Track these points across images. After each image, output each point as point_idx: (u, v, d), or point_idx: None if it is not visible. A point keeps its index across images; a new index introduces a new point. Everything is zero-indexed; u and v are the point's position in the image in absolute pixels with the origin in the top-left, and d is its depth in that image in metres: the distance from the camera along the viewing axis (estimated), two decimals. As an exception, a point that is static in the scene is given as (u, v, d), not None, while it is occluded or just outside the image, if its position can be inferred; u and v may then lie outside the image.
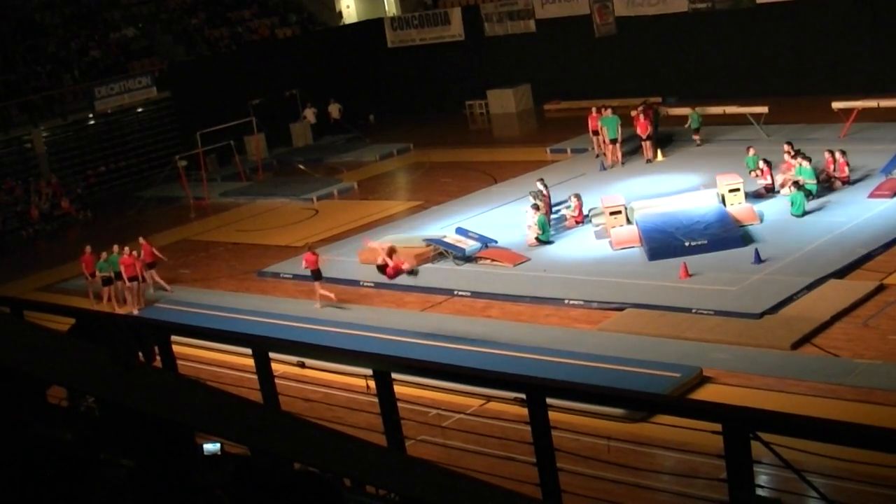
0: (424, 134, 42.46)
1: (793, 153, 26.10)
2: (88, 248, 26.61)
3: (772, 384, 16.83)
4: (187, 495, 5.24)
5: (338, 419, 10.99)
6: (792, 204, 24.38)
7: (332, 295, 23.81)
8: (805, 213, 24.17)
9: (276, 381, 9.35)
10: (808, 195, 24.74)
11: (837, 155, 26.14)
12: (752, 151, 27.29)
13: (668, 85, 40.01)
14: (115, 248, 26.17)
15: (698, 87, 38.88)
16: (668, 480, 13.90)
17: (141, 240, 26.82)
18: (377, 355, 11.21)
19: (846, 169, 25.94)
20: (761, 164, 26.41)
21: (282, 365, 15.90)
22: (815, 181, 25.24)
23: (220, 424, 5.66)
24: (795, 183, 24.86)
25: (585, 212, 26.46)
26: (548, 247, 25.18)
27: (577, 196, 26.62)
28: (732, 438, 6.53)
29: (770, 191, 25.98)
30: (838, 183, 25.86)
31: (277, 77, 44.48)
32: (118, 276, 25.57)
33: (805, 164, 25.37)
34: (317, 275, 23.84)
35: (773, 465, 7.23)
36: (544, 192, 26.96)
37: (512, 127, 43.64)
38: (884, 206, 24.17)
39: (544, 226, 25.48)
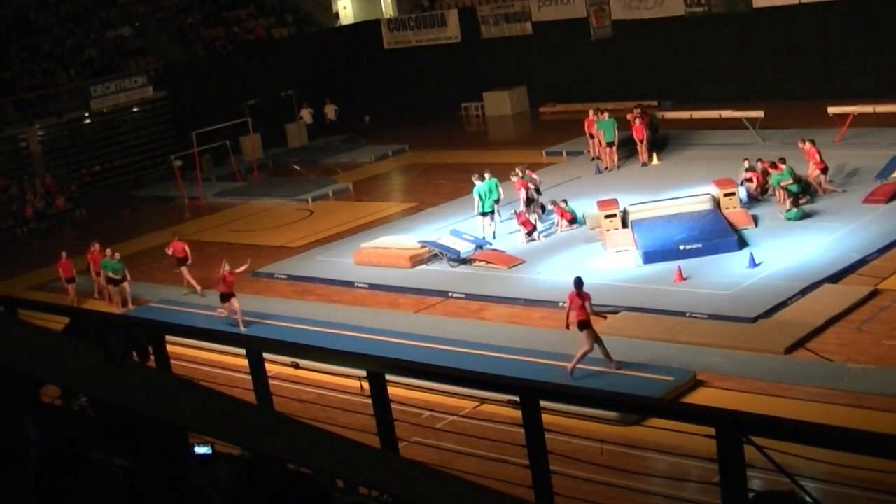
0: (420, 135, 42.48)
1: (768, 164, 26.07)
2: (64, 254, 26.72)
3: (765, 388, 16.85)
4: (179, 495, 5.23)
5: (331, 420, 10.99)
6: (787, 211, 24.40)
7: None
8: (802, 218, 24.14)
9: (270, 381, 9.34)
10: (797, 197, 24.68)
11: (808, 145, 26.14)
12: (747, 164, 27.10)
13: (663, 88, 40.04)
14: (117, 255, 26.06)
15: (694, 91, 38.93)
16: (661, 484, 13.91)
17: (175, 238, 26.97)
18: (371, 356, 11.22)
19: (818, 157, 25.89)
20: (747, 173, 26.31)
21: (275, 365, 15.89)
22: (790, 180, 25.05)
23: (213, 425, 5.66)
24: (786, 189, 24.92)
25: (578, 214, 26.52)
26: (542, 250, 25.19)
27: (554, 202, 26.63)
28: (725, 442, 6.53)
29: (763, 194, 25.98)
30: (821, 189, 25.82)
31: (273, 77, 44.49)
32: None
33: (781, 166, 25.32)
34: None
35: (766, 469, 7.24)
36: (519, 174, 27.14)
37: (507, 129, 43.66)
38: (878, 211, 24.22)
39: (480, 194, 26.34)
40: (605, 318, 18.03)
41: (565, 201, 26.71)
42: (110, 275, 25.63)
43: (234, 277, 23.02)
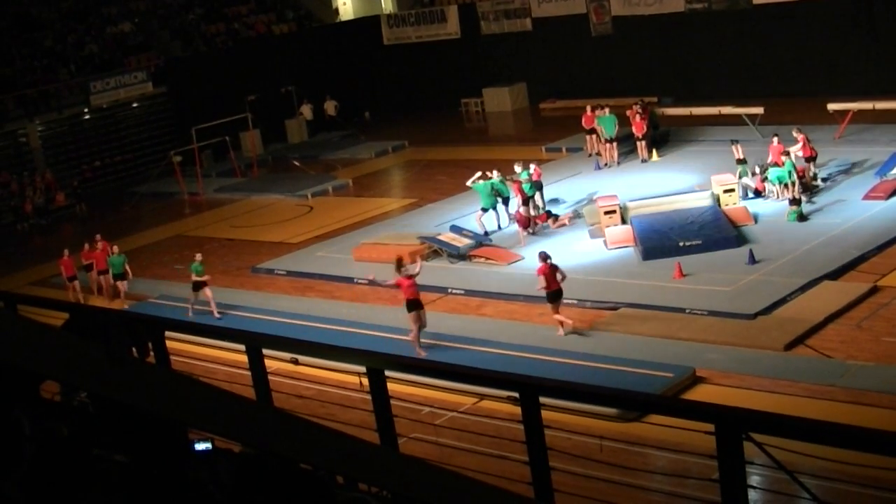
0: (420, 131, 42.47)
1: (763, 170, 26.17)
2: (67, 251, 26.65)
3: (765, 385, 16.85)
4: (179, 491, 5.23)
5: (331, 416, 10.97)
6: (788, 215, 24.37)
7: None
8: (801, 218, 24.06)
9: (270, 377, 9.34)
10: (794, 193, 24.69)
11: (795, 132, 26.45)
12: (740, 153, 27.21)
13: (663, 85, 40.03)
14: (115, 248, 26.05)
15: (694, 88, 38.92)
16: (661, 480, 13.91)
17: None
18: (371, 353, 11.20)
19: (797, 146, 26.06)
20: (755, 177, 26.34)
21: (275, 361, 15.87)
22: (790, 177, 25.11)
23: (212, 421, 5.66)
24: (784, 185, 24.98)
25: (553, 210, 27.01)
26: (542, 245, 25.16)
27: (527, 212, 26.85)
28: (725, 439, 6.53)
29: (758, 194, 26.01)
30: (810, 177, 25.92)
31: (273, 73, 44.48)
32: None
33: (785, 159, 25.40)
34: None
35: (766, 465, 7.24)
36: (518, 170, 27.27)
37: (507, 125, 43.65)
38: (878, 207, 24.21)
39: (480, 190, 26.63)
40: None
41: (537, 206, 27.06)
42: (114, 271, 25.66)
43: (412, 280, 19.72)
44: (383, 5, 51.08)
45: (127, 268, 25.68)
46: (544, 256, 19.88)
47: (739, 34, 38.72)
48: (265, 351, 9.51)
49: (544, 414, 7.55)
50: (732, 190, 25.28)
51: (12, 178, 38.41)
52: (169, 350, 9.45)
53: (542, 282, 19.67)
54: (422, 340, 19.65)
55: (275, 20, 48.57)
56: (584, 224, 26.09)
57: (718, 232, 23.38)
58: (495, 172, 27.26)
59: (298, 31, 48.41)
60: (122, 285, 25.64)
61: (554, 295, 19.66)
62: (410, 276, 19.81)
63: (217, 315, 23.16)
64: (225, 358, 17.19)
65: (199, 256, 24.39)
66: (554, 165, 33.00)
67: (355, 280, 25.07)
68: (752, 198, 25.79)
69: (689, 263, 22.08)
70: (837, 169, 27.42)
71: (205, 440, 5.70)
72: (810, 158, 26.27)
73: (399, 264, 20.29)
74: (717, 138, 32.45)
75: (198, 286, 23.67)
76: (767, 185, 25.82)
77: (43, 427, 5.25)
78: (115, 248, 25.98)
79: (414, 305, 19.56)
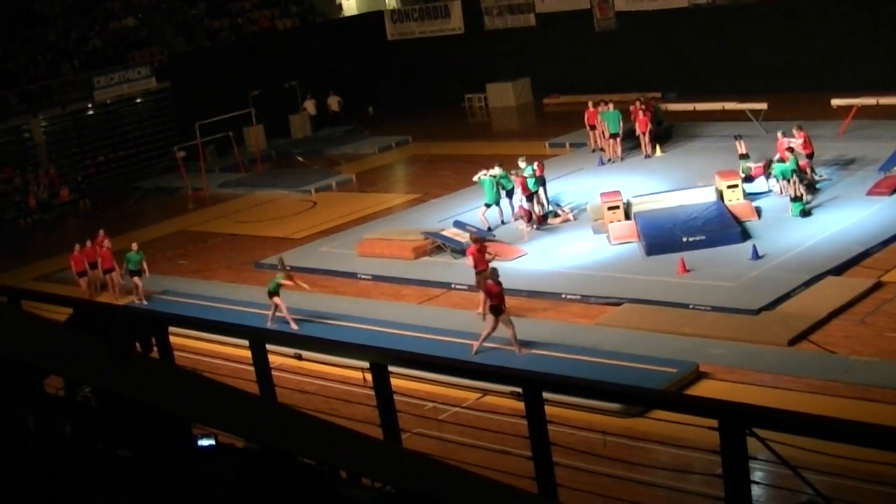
0: (423, 127, 42.46)
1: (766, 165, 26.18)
2: (77, 246, 26.51)
3: (768, 380, 16.85)
4: (183, 486, 5.24)
5: (334, 411, 10.99)
6: (791, 210, 24.35)
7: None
8: (805, 214, 24.04)
9: (273, 372, 9.35)
10: (798, 188, 24.67)
11: (794, 129, 26.46)
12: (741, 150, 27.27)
13: (667, 80, 39.98)
14: (134, 245, 25.86)
15: (697, 83, 38.87)
16: (664, 475, 13.91)
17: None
18: (374, 348, 11.21)
19: (794, 141, 26.06)
20: (752, 166, 26.35)
21: (279, 357, 15.89)
22: (792, 173, 25.14)
23: (216, 416, 5.67)
24: (787, 180, 24.97)
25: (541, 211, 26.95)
26: (546, 240, 25.21)
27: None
28: (728, 434, 6.53)
29: (750, 179, 26.01)
30: (809, 173, 25.92)
31: (277, 69, 44.45)
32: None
33: (789, 154, 25.41)
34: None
35: (769, 461, 7.24)
36: (521, 165, 27.27)
37: (511, 121, 43.62)
38: (882, 203, 24.19)
39: (485, 185, 26.73)
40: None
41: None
42: (130, 267, 25.39)
43: (498, 287, 18.88)
44: (387, 1, 51.06)
45: (144, 265, 25.34)
46: (475, 238, 21.90)
47: (743, 30, 38.67)
48: (269, 346, 9.52)
49: (547, 409, 7.56)
50: (736, 185, 25.25)
51: (16, 173, 38.43)
52: (172, 345, 9.46)
53: (470, 262, 20.98)
54: (484, 344, 19.01)
55: (278, 15, 48.54)
56: (587, 220, 26.08)
57: (722, 227, 23.37)
58: (497, 168, 27.23)
59: (302, 26, 48.37)
60: (137, 281, 25.41)
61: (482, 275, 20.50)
62: (498, 282, 19.10)
63: (294, 326, 21.80)
64: (228, 353, 17.22)
65: (134, 246, 24.27)
66: (557, 161, 32.95)
67: (359, 275, 25.06)
68: (749, 193, 25.70)
69: (693, 259, 22.07)
70: (841, 165, 27.40)
71: (208, 436, 5.71)
72: (810, 155, 26.27)
73: (484, 273, 19.85)
74: (721, 134, 32.43)
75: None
76: (771, 181, 25.80)
77: (46, 422, 5.26)
78: (135, 245, 25.58)
79: (498, 310, 18.92)
